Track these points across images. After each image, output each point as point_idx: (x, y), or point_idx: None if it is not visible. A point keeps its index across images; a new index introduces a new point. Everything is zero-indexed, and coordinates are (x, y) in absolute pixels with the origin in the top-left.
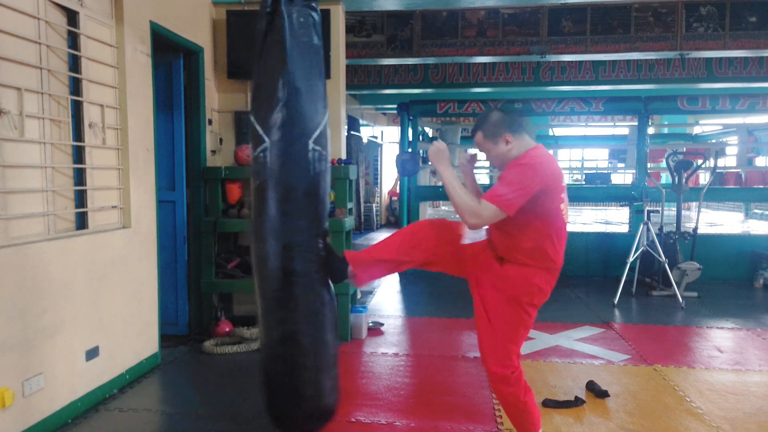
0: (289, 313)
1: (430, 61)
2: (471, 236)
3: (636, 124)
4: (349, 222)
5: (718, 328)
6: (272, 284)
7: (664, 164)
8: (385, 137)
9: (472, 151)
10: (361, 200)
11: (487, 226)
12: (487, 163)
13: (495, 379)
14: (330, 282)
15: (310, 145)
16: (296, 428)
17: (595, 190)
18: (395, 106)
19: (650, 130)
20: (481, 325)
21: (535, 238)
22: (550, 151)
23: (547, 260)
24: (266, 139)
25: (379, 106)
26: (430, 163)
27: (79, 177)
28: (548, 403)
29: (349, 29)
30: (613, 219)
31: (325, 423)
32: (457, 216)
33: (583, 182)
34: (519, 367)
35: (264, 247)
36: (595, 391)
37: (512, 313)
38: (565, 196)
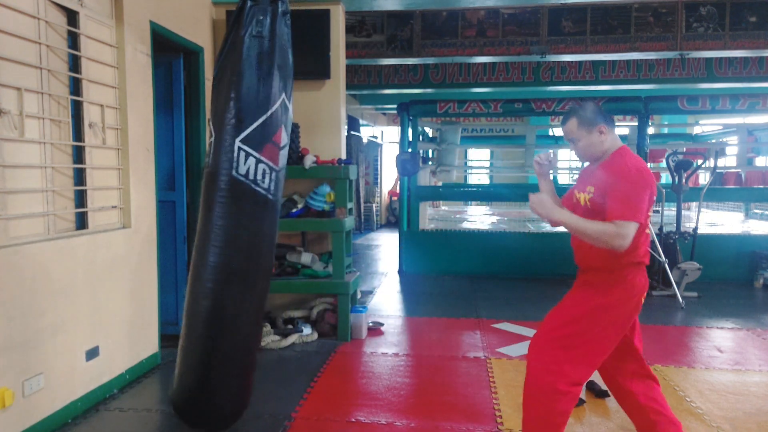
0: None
1: (430, 61)
2: None
3: (636, 124)
4: (349, 222)
5: (718, 328)
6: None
7: (664, 164)
8: (385, 137)
9: (545, 151)
10: (361, 200)
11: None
12: (487, 164)
13: (532, 383)
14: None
15: (237, 143)
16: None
17: None
18: (395, 106)
19: (650, 130)
20: (548, 322)
21: (634, 240)
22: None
23: (641, 256)
24: (212, 132)
25: (379, 106)
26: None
27: (79, 177)
28: None
29: (349, 29)
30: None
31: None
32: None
33: None
34: (567, 386)
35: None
36: (595, 391)
37: (595, 321)
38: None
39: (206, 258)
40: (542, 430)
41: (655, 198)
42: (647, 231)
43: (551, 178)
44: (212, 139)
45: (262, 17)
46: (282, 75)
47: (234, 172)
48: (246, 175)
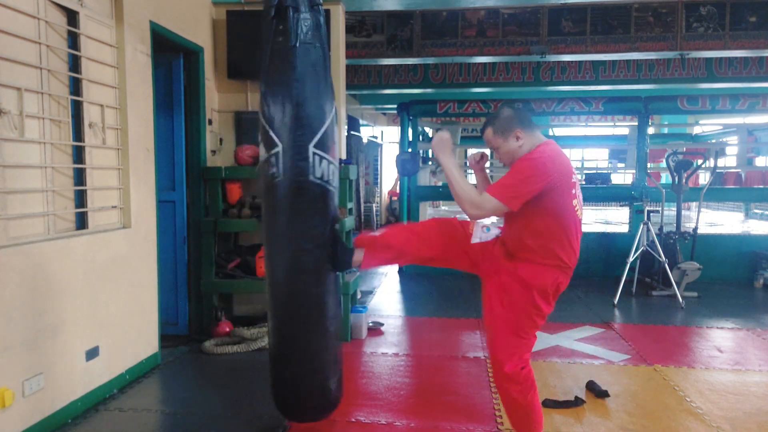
0: (298, 312)
1: (430, 61)
2: (480, 236)
3: (636, 124)
4: (349, 222)
5: (718, 328)
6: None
7: (664, 164)
8: (385, 137)
9: (479, 150)
10: (361, 200)
11: (495, 223)
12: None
13: (502, 377)
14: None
15: (311, 149)
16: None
17: (595, 190)
18: (395, 106)
19: (650, 130)
20: (490, 319)
21: (544, 236)
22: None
23: (557, 259)
24: (278, 143)
25: (379, 106)
26: (434, 163)
27: (79, 177)
28: (548, 403)
29: (349, 29)
30: (613, 219)
31: (328, 414)
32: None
33: (583, 182)
34: (528, 365)
35: (275, 251)
36: (595, 391)
37: (521, 309)
38: (577, 191)
39: (301, 264)
40: (530, 416)
41: (575, 194)
42: (565, 237)
43: (487, 173)
44: (278, 149)
45: (308, 24)
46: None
47: (311, 177)
48: (321, 177)
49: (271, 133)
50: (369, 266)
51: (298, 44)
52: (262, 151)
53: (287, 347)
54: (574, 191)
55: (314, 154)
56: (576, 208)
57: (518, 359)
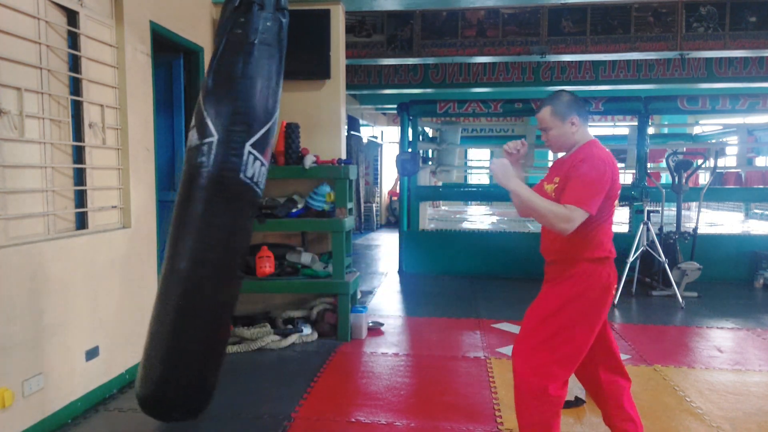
0: (191, 306)
1: (430, 61)
2: None
3: (636, 124)
4: (349, 222)
5: (718, 328)
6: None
7: (664, 164)
8: (385, 137)
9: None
10: (361, 200)
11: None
12: (487, 164)
13: (524, 390)
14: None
15: (247, 147)
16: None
17: None
18: (395, 106)
19: (650, 130)
20: (527, 324)
21: (598, 233)
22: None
23: (607, 251)
24: (214, 133)
25: (379, 106)
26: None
27: (79, 177)
28: None
29: (349, 29)
30: (613, 219)
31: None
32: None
33: None
34: (559, 390)
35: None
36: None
37: (569, 316)
38: (619, 191)
39: (203, 257)
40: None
41: (618, 192)
42: (609, 231)
43: (522, 168)
44: (212, 139)
45: (270, 24)
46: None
47: (242, 175)
48: (251, 178)
49: (208, 121)
50: None
51: (256, 42)
52: (193, 137)
53: (177, 344)
54: (618, 191)
55: (249, 152)
56: (615, 206)
57: (545, 372)
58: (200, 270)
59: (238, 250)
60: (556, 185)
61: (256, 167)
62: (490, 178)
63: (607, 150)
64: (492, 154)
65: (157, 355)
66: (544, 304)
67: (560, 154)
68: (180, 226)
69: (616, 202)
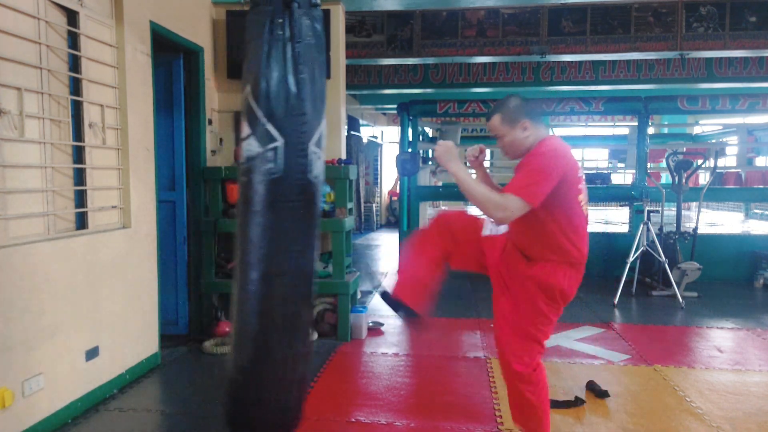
0: (266, 325)
1: (430, 61)
2: (491, 228)
3: (636, 124)
4: (349, 222)
5: (718, 328)
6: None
7: (664, 164)
8: (385, 137)
9: (477, 144)
10: (361, 200)
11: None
12: (487, 164)
13: (514, 376)
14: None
15: (311, 147)
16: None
17: (595, 190)
18: (395, 106)
19: (650, 130)
20: (502, 319)
21: (555, 232)
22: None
23: (568, 255)
24: (279, 138)
25: (379, 106)
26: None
27: (79, 177)
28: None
29: (349, 29)
30: (613, 219)
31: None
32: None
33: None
34: (540, 365)
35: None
36: (595, 391)
37: (535, 309)
38: (583, 187)
39: (282, 266)
40: (539, 417)
41: (581, 188)
42: (573, 232)
43: (486, 169)
44: (278, 143)
45: (308, 21)
46: None
47: (309, 175)
48: (317, 177)
49: (270, 127)
50: (408, 298)
51: (301, 41)
52: (252, 145)
53: (252, 359)
54: (580, 186)
55: (313, 152)
56: (582, 204)
57: (529, 359)
58: (280, 277)
59: (311, 252)
60: None
61: (319, 165)
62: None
63: (562, 144)
64: (492, 155)
65: (241, 369)
66: (506, 297)
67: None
68: (251, 236)
69: (581, 196)
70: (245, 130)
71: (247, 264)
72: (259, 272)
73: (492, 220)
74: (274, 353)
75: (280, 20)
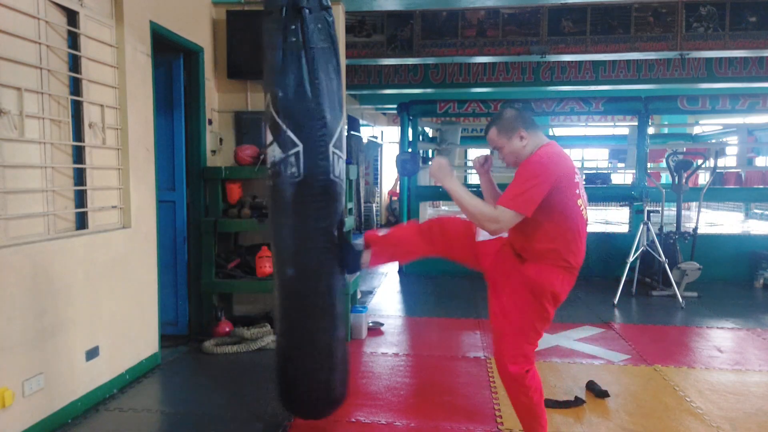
0: (307, 310)
1: (430, 61)
2: (484, 233)
3: (636, 124)
4: (349, 222)
5: (718, 328)
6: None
7: (664, 164)
8: (385, 137)
9: (482, 153)
10: (361, 200)
11: None
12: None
13: (508, 378)
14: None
15: (331, 149)
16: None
17: (595, 190)
18: (395, 106)
19: (650, 130)
20: (496, 321)
21: (551, 237)
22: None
23: (562, 260)
24: (299, 143)
25: (379, 106)
26: (432, 181)
27: (79, 177)
28: (548, 403)
29: (349, 29)
30: (613, 219)
31: (331, 412)
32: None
33: (584, 182)
34: (534, 367)
35: (286, 253)
36: (595, 391)
37: (528, 310)
38: (582, 192)
39: (312, 262)
40: (536, 416)
41: (579, 193)
42: (571, 237)
43: (491, 177)
44: (298, 149)
45: (321, 26)
46: None
47: (332, 176)
48: (338, 175)
49: (290, 134)
50: (375, 264)
51: (314, 46)
52: (276, 152)
53: (296, 345)
54: (578, 191)
55: (333, 152)
56: (581, 208)
57: (523, 361)
58: (309, 273)
59: (334, 247)
60: None
61: (341, 165)
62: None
63: (557, 150)
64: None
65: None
66: (501, 298)
67: None
68: (282, 236)
69: (580, 201)
70: (268, 137)
71: (282, 262)
72: (294, 268)
73: (487, 232)
74: (316, 340)
75: (293, 27)
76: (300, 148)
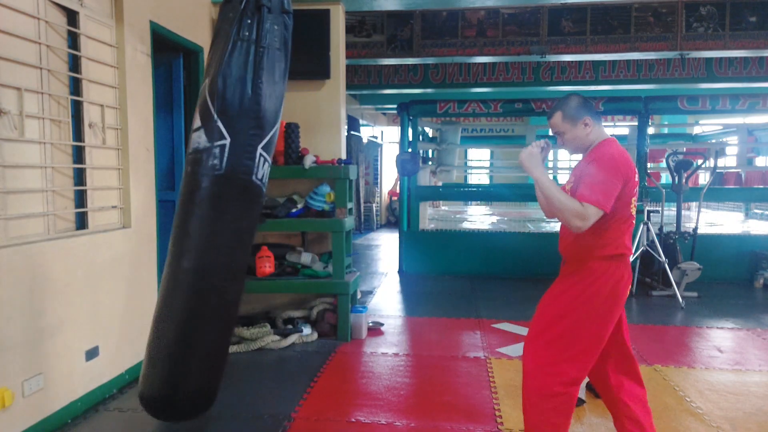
0: (206, 309)
1: (430, 61)
2: None
3: (636, 124)
4: (349, 222)
5: (718, 328)
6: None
7: (664, 164)
8: (385, 137)
9: (484, 152)
10: (361, 200)
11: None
12: (487, 164)
13: (531, 388)
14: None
15: (259, 150)
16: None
17: None
18: (395, 106)
19: (650, 130)
20: (536, 322)
21: (614, 230)
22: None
23: (622, 248)
24: (227, 136)
25: (379, 106)
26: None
27: (79, 177)
28: None
29: (349, 29)
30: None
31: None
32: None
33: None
34: (569, 388)
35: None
36: (595, 391)
37: (577, 315)
38: (636, 189)
39: (214, 259)
40: None
41: (636, 189)
42: (626, 228)
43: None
44: (225, 142)
45: (277, 27)
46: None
47: (254, 177)
48: (261, 179)
49: (220, 125)
50: None
51: (266, 46)
52: (201, 139)
53: (185, 345)
54: (635, 189)
55: (261, 155)
56: (632, 205)
57: (556, 373)
58: (210, 270)
59: (246, 250)
60: (571, 185)
61: (265, 168)
62: (491, 178)
63: (622, 148)
64: (492, 155)
65: (162, 356)
66: (553, 302)
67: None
68: (187, 226)
69: (633, 200)
70: (197, 121)
71: (181, 253)
72: (191, 262)
73: (570, 227)
74: (200, 341)
75: (249, 21)
76: (227, 141)
